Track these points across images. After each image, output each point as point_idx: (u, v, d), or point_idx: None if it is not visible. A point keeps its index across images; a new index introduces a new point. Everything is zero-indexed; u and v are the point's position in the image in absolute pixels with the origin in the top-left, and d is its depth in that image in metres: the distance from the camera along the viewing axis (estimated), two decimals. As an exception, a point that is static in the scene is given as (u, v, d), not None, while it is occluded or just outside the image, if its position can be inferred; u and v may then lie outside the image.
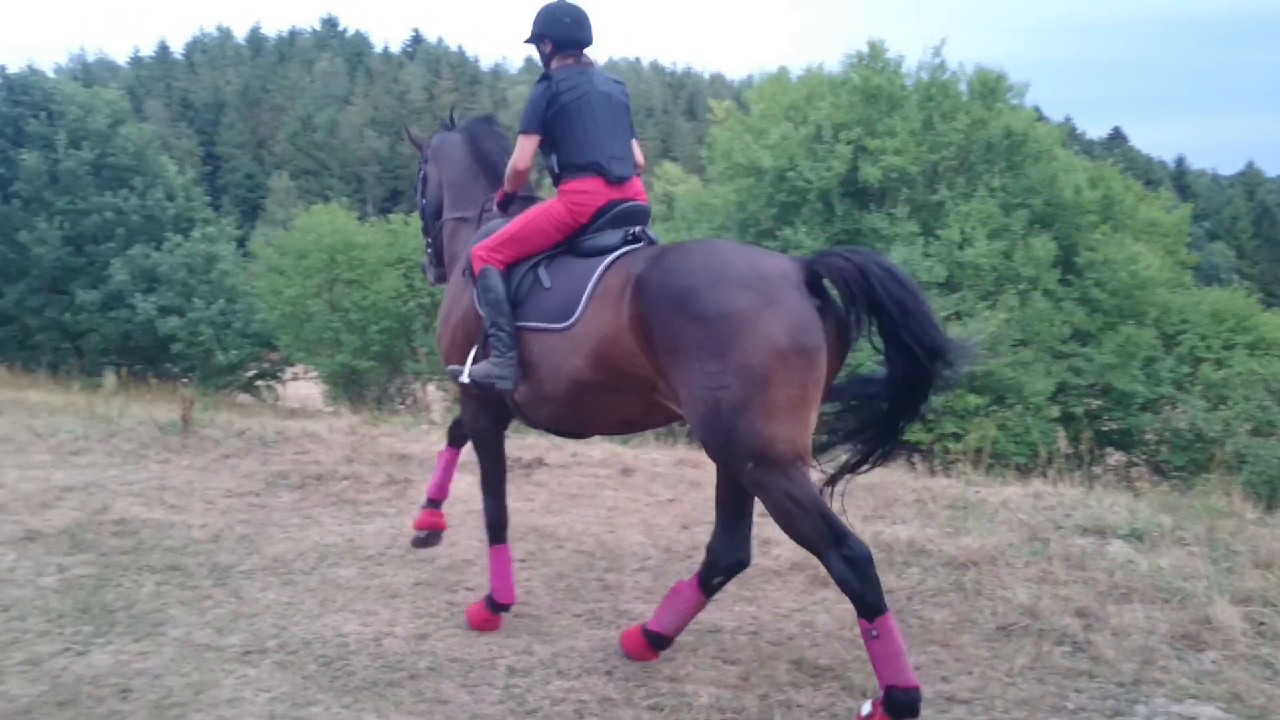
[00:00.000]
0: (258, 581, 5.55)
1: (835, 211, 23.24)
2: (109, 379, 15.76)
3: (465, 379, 4.58)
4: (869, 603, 3.53)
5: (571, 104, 4.45)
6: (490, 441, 4.92)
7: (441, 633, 4.77)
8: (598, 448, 8.75)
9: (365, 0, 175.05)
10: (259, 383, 28.73)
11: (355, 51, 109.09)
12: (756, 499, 3.89)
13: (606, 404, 4.18)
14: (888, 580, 5.26)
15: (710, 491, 7.14)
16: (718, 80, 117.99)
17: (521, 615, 5.00)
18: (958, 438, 18.26)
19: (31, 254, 28.99)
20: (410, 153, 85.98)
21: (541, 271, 4.40)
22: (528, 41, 4.75)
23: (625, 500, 7.04)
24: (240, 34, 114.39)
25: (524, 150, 4.57)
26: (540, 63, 4.75)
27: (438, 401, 24.52)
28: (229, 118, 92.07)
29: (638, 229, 4.47)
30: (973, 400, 19.19)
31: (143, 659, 4.54)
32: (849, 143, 22.90)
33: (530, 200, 4.85)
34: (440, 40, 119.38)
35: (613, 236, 4.39)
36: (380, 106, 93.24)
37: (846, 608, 4.96)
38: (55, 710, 4.05)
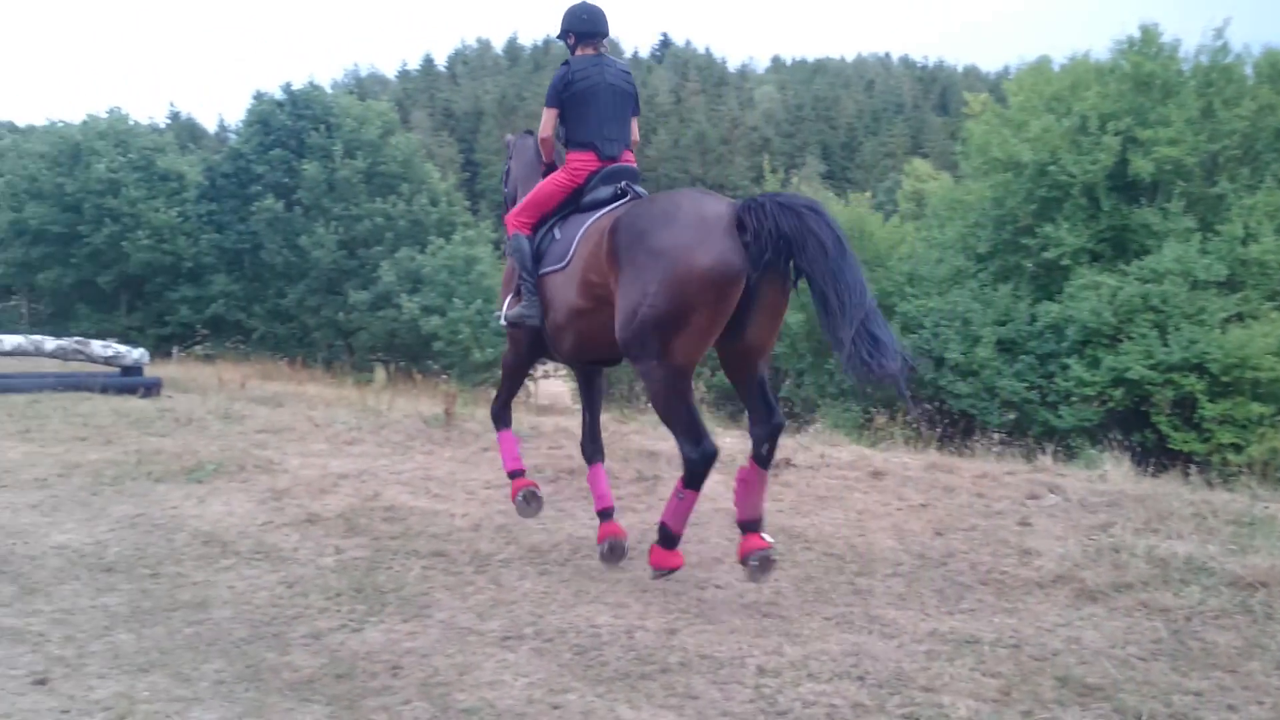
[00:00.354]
0: (515, 570, 5.75)
1: (1101, 206, 21.98)
2: (379, 375, 16.74)
3: (502, 320, 5.90)
4: (697, 481, 4.89)
5: (582, 90, 5.53)
6: (513, 374, 6.26)
7: (691, 629, 4.79)
8: (845, 450, 8.60)
9: (617, 6, 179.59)
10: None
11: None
12: (760, 379, 4.93)
13: (595, 325, 5.15)
14: (1163, 598, 4.91)
15: (963, 497, 6.91)
16: (971, 73, 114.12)
17: (770, 615, 4.95)
18: (1239, 449, 16.93)
19: (310, 257, 31.24)
20: (657, 156, 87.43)
21: (555, 230, 5.54)
22: (558, 37, 5.82)
23: (875, 504, 6.88)
24: (499, 45, 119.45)
25: (546, 121, 5.74)
26: (569, 51, 5.79)
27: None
28: (487, 125, 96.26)
29: (624, 183, 5.53)
30: (1256, 409, 17.74)
31: (411, 638, 4.77)
32: (1117, 134, 21.62)
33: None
34: (688, 43, 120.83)
35: (605, 191, 5.49)
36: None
37: (1117, 625, 4.67)
38: (334, 682, 4.31)
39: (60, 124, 39.27)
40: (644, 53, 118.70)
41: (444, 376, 31.94)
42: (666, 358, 4.67)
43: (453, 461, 8.45)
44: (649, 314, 4.60)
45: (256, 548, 6.33)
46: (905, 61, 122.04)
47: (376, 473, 8.07)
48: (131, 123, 39.32)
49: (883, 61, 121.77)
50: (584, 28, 5.72)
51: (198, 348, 35.87)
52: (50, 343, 14.72)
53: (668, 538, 5.08)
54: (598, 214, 5.30)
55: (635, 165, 5.72)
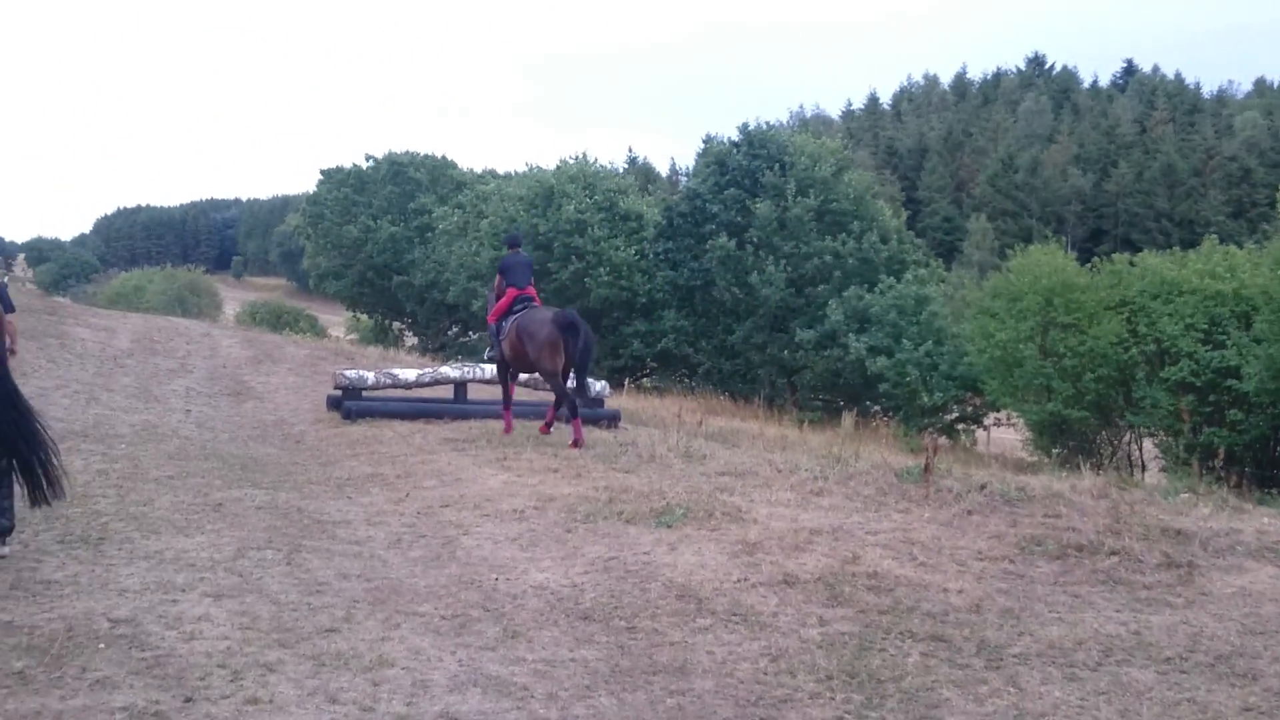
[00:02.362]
0: (1036, 670, 4.84)
1: None
2: (847, 421, 16.10)
3: (485, 358, 14.85)
4: (571, 414, 11.79)
5: (509, 266, 12.61)
6: (503, 380, 12.96)
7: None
8: None
9: (1075, 35, 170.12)
10: (959, 426, 28.30)
11: (1062, 88, 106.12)
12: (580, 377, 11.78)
13: (518, 359, 12.13)
14: None
15: None
16: None
17: None
18: None
19: (759, 294, 31.49)
20: (1116, 190, 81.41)
21: (504, 322, 12.31)
22: (504, 243, 14.64)
23: None
24: (946, 80, 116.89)
25: (499, 279, 12.72)
26: (508, 249, 13.35)
27: (1154, 459, 22.21)
28: (931, 162, 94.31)
29: (525, 304, 12.25)
30: None
31: (927, 749, 4.04)
32: None
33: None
34: (1156, 69, 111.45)
35: (520, 306, 12.22)
36: (1086, 143, 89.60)
37: None
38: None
39: (537, 170, 42.72)
40: (1104, 81, 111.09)
41: (884, 418, 30.99)
42: (548, 370, 11.71)
43: (934, 524, 7.60)
44: (535, 357, 11.67)
45: (733, 608, 5.86)
46: None
47: (851, 531, 7.41)
48: (597, 167, 41.99)
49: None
50: (511, 242, 13.19)
51: (645, 380, 37.37)
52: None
53: (577, 441, 11.36)
54: (514, 317, 12.06)
55: (534, 293, 12.58)
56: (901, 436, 24.53)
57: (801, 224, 31.35)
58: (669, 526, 7.67)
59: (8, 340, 9.36)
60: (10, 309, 9.41)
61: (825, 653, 5.11)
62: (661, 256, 35.73)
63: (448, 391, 15.11)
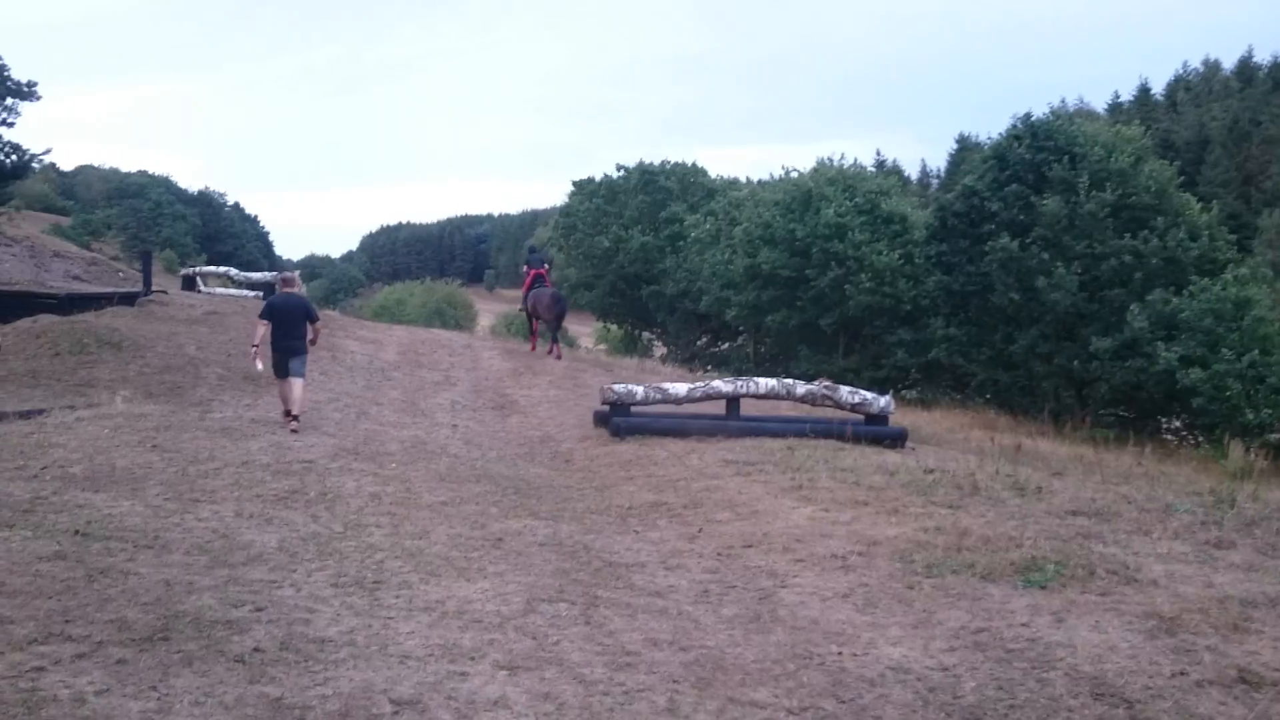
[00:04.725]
0: None
1: None
2: (1235, 451, 13.67)
3: (518, 309, 28.55)
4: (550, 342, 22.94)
5: (531, 262, 22.84)
6: (530, 320, 23.34)
7: None
8: None
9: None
10: (1287, 446, 24.68)
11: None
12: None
13: (536, 309, 21.83)
14: None
15: None
16: None
17: None
18: None
19: (1045, 300, 28.79)
20: None
21: (530, 292, 21.88)
22: (528, 248, 27.77)
23: None
24: (1229, 65, 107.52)
25: (528, 268, 22.60)
26: (529, 253, 24.85)
27: None
28: (1213, 155, 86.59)
29: (543, 284, 21.94)
30: None
31: None
32: None
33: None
34: None
35: (539, 285, 21.80)
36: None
37: None
38: None
39: (794, 173, 41.21)
40: None
41: (1181, 435, 27.73)
42: (545, 318, 21.39)
43: None
44: (537, 309, 21.54)
45: (1181, 716, 4.29)
46: None
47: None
48: (857, 168, 39.99)
49: None
50: (531, 249, 25.16)
51: (906, 392, 35.10)
52: (801, 387, 14.23)
53: (552, 351, 21.57)
54: (534, 290, 21.51)
55: (545, 275, 21.98)
56: (1218, 458, 21.52)
57: (1096, 221, 28.24)
58: (1042, 587, 6.13)
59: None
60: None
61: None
62: (933, 260, 33.25)
63: (718, 407, 13.92)
